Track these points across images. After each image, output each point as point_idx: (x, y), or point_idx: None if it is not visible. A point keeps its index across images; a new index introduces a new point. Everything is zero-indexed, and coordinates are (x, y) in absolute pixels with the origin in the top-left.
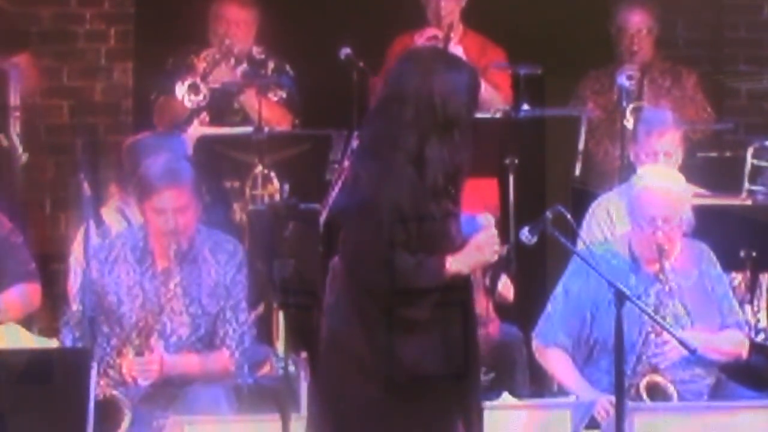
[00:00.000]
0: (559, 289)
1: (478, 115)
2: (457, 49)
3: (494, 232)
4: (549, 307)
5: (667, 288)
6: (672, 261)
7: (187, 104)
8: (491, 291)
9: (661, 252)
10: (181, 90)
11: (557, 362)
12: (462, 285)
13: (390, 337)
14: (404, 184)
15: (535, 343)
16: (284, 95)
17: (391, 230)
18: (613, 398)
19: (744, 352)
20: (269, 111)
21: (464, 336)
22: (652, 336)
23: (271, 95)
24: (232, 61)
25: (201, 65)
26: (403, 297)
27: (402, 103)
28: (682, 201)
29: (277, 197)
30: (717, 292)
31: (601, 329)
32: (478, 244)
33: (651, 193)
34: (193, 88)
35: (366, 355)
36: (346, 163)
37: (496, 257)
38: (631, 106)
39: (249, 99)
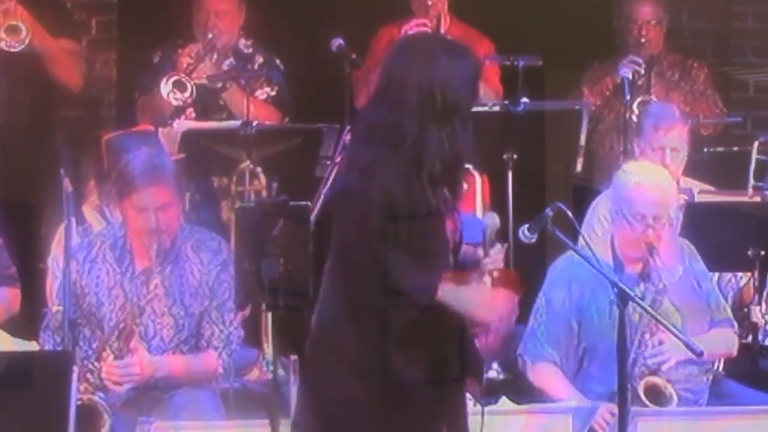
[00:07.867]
0: (540, 301)
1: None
2: None
3: (514, 303)
4: (532, 322)
5: (654, 287)
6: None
7: (173, 102)
8: None
9: (651, 251)
10: (166, 88)
11: (548, 377)
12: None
13: (379, 338)
14: (398, 174)
15: (522, 361)
16: (273, 93)
17: (381, 221)
18: (612, 407)
19: (734, 351)
20: (256, 110)
21: (457, 342)
22: (647, 336)
23: (259, 93)
24: (216, 55)
25: (185, 61)
26: (393, 297)
27: (399, 90)
28: (672, 198)
29: (264, 194)
30: (704, 288)
31: (588, 336)
32: (486, 300)
33: (643, 190)
34: (179, 85)
35: (355, 357)
36: (339, 158)
37: (494, 322)
38: (638, 99)
39: (234, 96)
